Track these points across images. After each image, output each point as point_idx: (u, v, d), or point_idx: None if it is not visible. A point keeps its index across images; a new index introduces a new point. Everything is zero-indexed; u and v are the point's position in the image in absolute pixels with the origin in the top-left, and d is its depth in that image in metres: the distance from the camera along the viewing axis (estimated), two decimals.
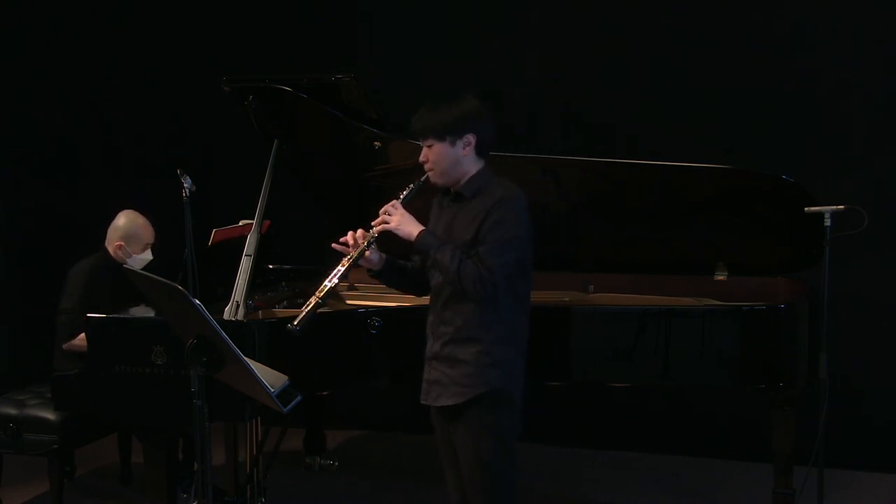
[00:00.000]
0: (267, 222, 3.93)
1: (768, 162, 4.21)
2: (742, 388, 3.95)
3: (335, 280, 2.97)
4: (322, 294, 2.95)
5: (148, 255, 4.16)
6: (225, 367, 2.79)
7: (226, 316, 3.52)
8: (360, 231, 3.01)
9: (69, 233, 5.38)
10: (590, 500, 4.46)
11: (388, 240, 3.01)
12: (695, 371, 3.69)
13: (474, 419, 2.96)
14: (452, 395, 2.97)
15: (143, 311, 3.78)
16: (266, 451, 4.07)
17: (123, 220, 4.15)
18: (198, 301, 2.70)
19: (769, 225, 3.96)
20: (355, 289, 4.41)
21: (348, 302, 4.21)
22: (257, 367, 2.82)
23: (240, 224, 4.08)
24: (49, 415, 3.91)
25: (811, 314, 3.71)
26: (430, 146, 2.95)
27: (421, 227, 2.95)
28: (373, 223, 2.99)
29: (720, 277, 4.09)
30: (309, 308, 2.94)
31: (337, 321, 3.72)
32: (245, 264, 3.66)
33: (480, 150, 2.98)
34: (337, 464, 4.81)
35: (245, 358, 2.75)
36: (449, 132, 2.92)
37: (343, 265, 2.98)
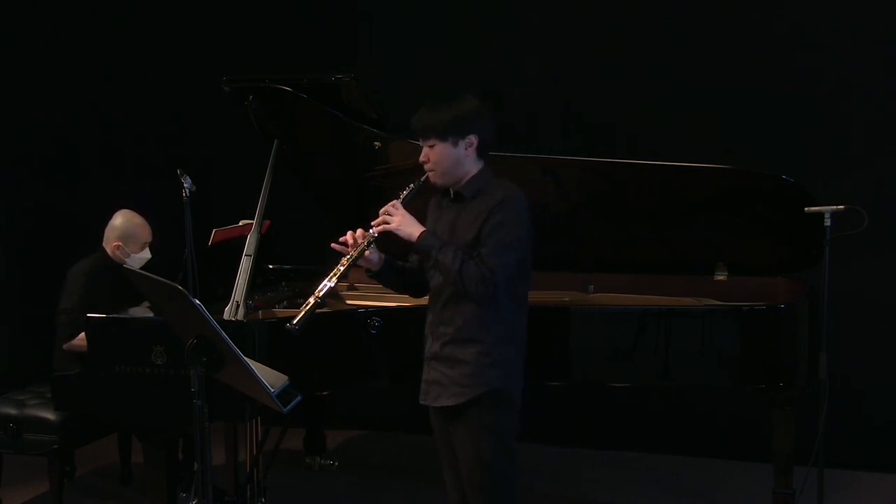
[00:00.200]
0: (267, 222, 3.93)
1: (768, 162, 4.21)
2: (742, 388, 3.95)
3: (334, 280, 2.96)
4: (321, 294, 2.95)
5: (146, 254, 4.16)
6: (225, 367, 2.79)
7: (226, 316, 3.52)
8: (359, 231, 3.00)
9: (69, 233, 5.38)
10: (590, 500, 4.46)
11: (386, 240, 3.01)
12: (695, 371, 3.69)
13: (474, 419, 2.96)
14: (452, 395, 2.97)
15: (142, 312, 3.78)
16: (266, 451, 4.07)
17: (120, 219, 4.15)
18: (198, 301, 2.70)
19: (769, 225, 3.96)
20: (355, 289, 4.41)
21: (348, 302, 4.21)
22: (257, 367, 2.82)
23: (240, 224, 4.08)
24: (49, 415, 3.91)
25: (811, 314, 3.71)
26: (431, 146, 2.94)
27: (422, 228, 2.94)
28: (373, 223, 2.99)
29: (720, 277, 4.09)
30: (308, 308, 2.93)
31: (337, 321, 3.72)
32: (245, 264, 3.66)
33: (481, 151, 2.98)
34: (337, 464, 4.82)
35: (245, 358, 2.75)
36: (451, 133, 2.91)
37: (342, 265, 2.97)
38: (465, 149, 2.94)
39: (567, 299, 4.07)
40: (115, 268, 4.08)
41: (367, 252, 2.98)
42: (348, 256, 2.98)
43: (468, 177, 2.98)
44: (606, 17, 4.87)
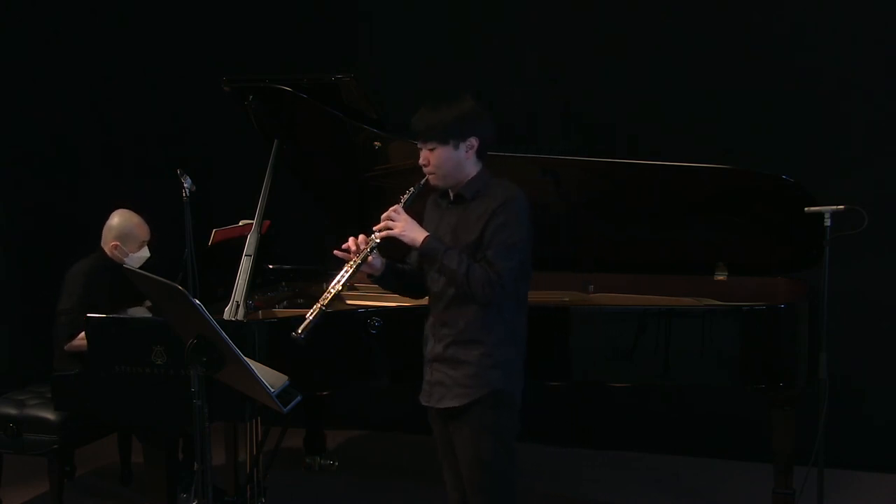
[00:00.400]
0: (267, 222, 3.93)
1: (768, 162, 4.21)
2: (742, 388, 3.95)
3: (339, 287, 2.95)
4: (326, 302, 2.94)
5: (145, 253, 4.16)
6: (225, 367, 2.79)
7: (226, 316, 3.52)
8: (361, 236, 3.00)
9: (69, 233, 5.37)
10: (590, 500, 4.46)
11: (387, 244, 3.00)
12: (695, 371, 3.69)
13: (475, 419, 2.96)
14: (455, 396, 2.97)
15: (141, 312, 3.78)
16: (266, 451, 4.07)
17: (117, 219, 4.15)
18: (198, 301, 2.70)
19: (769, 225, 3.96)
20: (355, 289, 4.40)
21: (348, 302, 4.21)
22: (257, 367, 2.82)
23: (240, 224, 4.08)
24: (49, 415, 3.91)
25: (811, 314, 3.71)
26: (431, 149, 2.93)
27: (426, 233, 2.94)
28: (374, 228, 2.98)
29: (720, 277, 4.09)
30: (313, 316, 2.92)
31: (337, 321, 3.71)
32: (245, 264, 3.66)
33: (481, 152, 2.98)
34: (337, 464, 4.82)
35: (245, 358, 2.75)
36: (452, 136, 2.91)
37: (346, 271, 2.96)
38: (466, 151, 2.93)
39: (567, 299, 4.07)
40: (114, 268, 4.08)
41: (370, 258, 2.97)
42: (351, 263, 2.97)
43: (468, 178, 2.98)
44: (606, 17, 4.87)
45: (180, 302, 2.75)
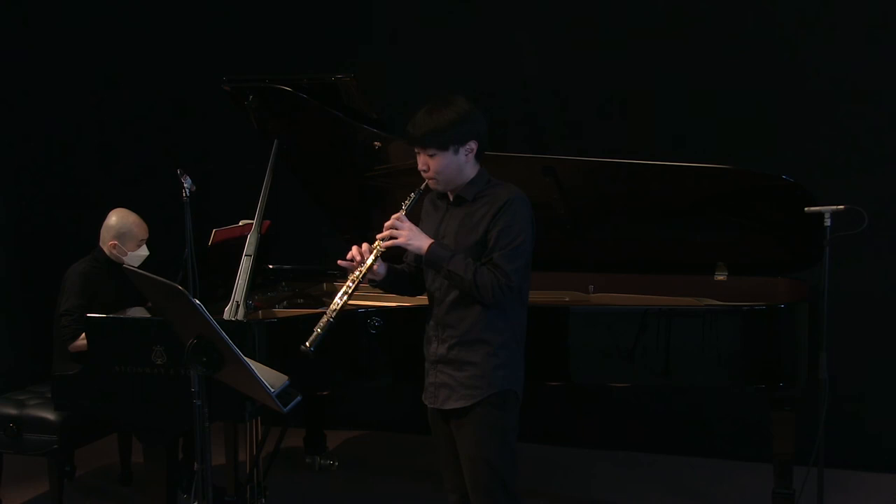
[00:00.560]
0: (267, 222, 3.93)
1: (768, 162, 4.21)
2: (742, 388, 3.95)
3: (346, 298, 2.95)
4: (334, 313, 2.94)
5: (144, 251, 4.17)
6: (225, 367, 2.79)
7: (226, 316, 3.52)
8: (364, 245, 3.00)
9: (69, 233, 5.39)
10: (590, 499, 4.46)
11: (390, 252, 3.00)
12: (695, 371, 3.69)
13: (480, 419, 2.97)
14: (461, 397, 2.98)
15: (140, 313, 3.77)
16: (266, 451, 4.07)
17: (115, 218, 4.15)
18: (198, 301, 2.70)
19: (769, 225, 3.96)
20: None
21: (348, 302, 4.21)
22: (257, 367, 2.82)
23: (240, 224, 4.08)
24: (49, 415, 3.91)
25: (811, 314, 3.71)
26: (431, 156, 2.92)
27: (430, 240, 2.94)
28: (378, 236, 2.98)
29: (720, 277, 4.09)
30: (322, 328, 2.93)
31: (337, 321, 3.72)
32: (245, 264, 3.66)
33: (479, 153, 2.98)
34: (337, 464, 4.82)
35: (245, 358, 2.75)
36: (452, 142, 2.90)
37: (353, 281, 2.96)
38: (466, 155, 2.93)
39: (567, 299, 4.07)
40: (113, 267, 4.08)
41: (375, 266, 2.98)
42: (357, 273, 2.97)
43: (468, 179, 2.98)
44: (606, 16, 4.87)
45: (180, 302, 2.75)
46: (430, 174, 2.96)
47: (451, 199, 3.03)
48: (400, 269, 3.17)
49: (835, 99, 4.55)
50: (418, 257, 3.02)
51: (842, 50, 4.53)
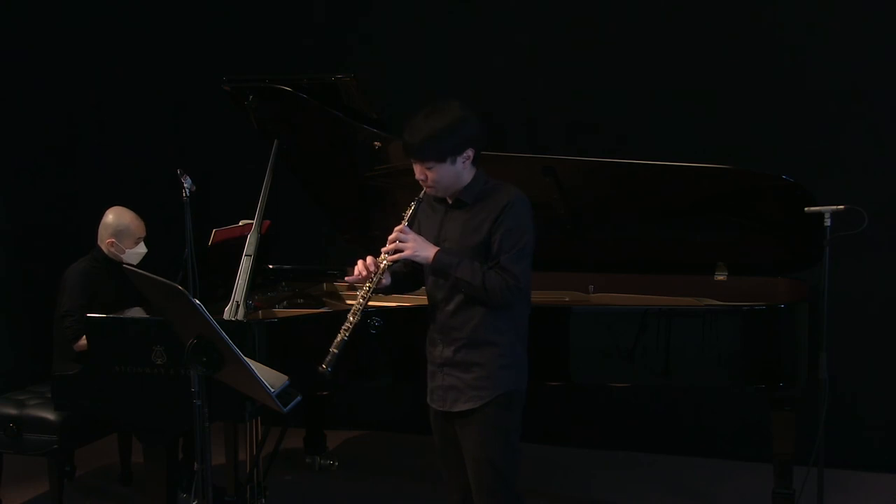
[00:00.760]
0: (267, 222, 3.93)
1: (768, 162, 4.21)
2: (742, 388, 3.95)
3: (358, 315, 2.95)
4: (348, 332, 2.93)
5: (142, 249, 4.17)
6: (225, 367, 2.79)
7: (226, 316, 3.52)
8: (369, 259, 3.00)
9: (69, 233, 5.38)
10: (590, 499, 4.46)
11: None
12: (695, 371, 3.69)
13: (486, 420, 2.97)
14: (470, 399, 2.98)
15: (138, 314, 3.77)
16: (266, 451, 4.07)
17: (112, 216, 4.16)
18: (198, 301, 2.70)
19: (769, 225, 3.96)
20: (354, 288, 4.40)
21: (348, 302, 4.21)
22: (257, 367, 2.82)
23: (240, 224, 4.08)
24: (49, 415, 3.91)
25: (811, 314, 3.71)
26: (430, 167, 2.90)
27: (435, 249, 2.94)
28: (383, 250, 2.97)
29: (720, 277, 4.09)
30: (337, 347, 2.92)
31: (337, 321, 3.72)
32: (245, 264, 3.66)
33: (476, 158, 2.97)
34: (337, 464, 4.82)
35: (245, 358, 2.75)
36: (450, 153, 2.88)
37: (363, 297, 2.96)
38: (463, 163, 2.92)
39: (567, 299, 4.07)
40: (113, 266, 4.08)
41: (382, 280, 2.98)
42: (366, 289, 2.97)
43: (465, 184, 2.97)
44: (606, 16, 4.87)
45: (180, 302, 2.75)
46: (428, 183, 2.95)
47: (450, 202, 3.03)
48: (399, 273, 3.16)
49: (835, 99, 4.55)
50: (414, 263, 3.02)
51: (841, 50, 4.53)
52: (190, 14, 5.55)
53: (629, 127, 4.83)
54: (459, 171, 2.93)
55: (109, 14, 5.61)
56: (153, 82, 5.59)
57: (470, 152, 2.92)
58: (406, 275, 3.18)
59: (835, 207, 3.41)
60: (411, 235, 2.96)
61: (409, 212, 3.02)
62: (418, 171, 2.94)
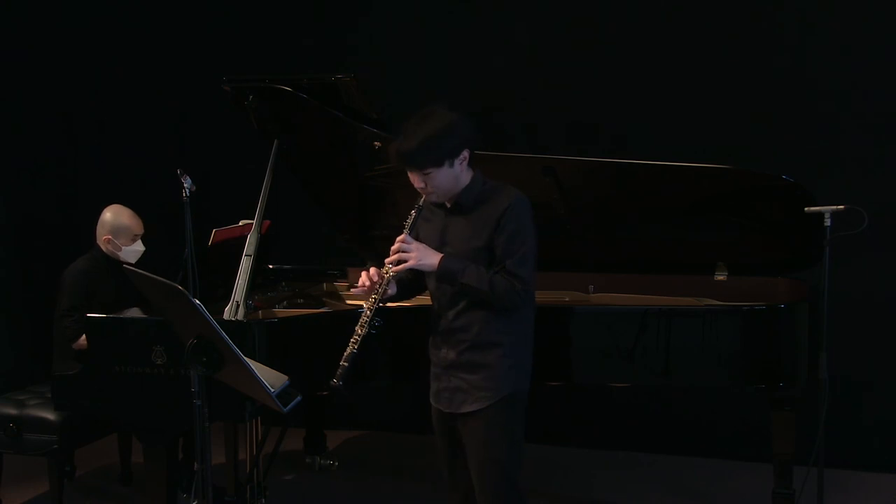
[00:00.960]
0: (267, 222, 3.93)
1: (768, 162, 4.21)
2: (742, 388, 3.95)
3: (366, 328, 2.94)
4: (357, 344, 2.93)
5: (139, 247, 4.17)
6: (225, 367, 2.79)
7: (226, 316, 3.52)
8: (373, 270, 2.99)
9: (69, 233, 5.39)
10: (590, 499, 4.46)
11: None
12: (695, 371, 3.69)
13: (491, 420, 2.97)
14: (476, 400, 2.97)
15: (136, 315, 3.76)
16: (266, 451, 4.07)
17: (109, 214, 4.17)
18: (198, 301, 2.70)
19: (769, 225, 3.96)
20: (355, 289, 4.41)
21: (348, 302, 4.21)
22: (257, 367, 2.82)
23: (240, 224, 4.08)
24: (49, 415, 3.91)
25: (811, 314, 3.71)
26: (427, 174, 2.89)
27: (439, 255, 2.94)
28: (387, 261, 2.96)
29: (720, 277, 4.09)
30: (347, 360, 2.91)
31: (337, 321, 3.72)
32: (245, 264, 3.66)
33: (470, 159, 2.96)
34: (337, 464, 4.82)
35: (245, 358, 2.75)
36: (447, 157, 2.87)
37: (370, 309, 2.95)
38: (460, 164, 2.92)
39: (567, 299, 4.07)
40: (112, 265, 4.08)
41: (388, 290, 2.97)
42: (371, 300, 2.96)
43: (464, 186, 2.97)
44: (606, 16, 4.87)
45: (180, 302, 2.75)
46: (428, 189, 2.94)
47: (449, 206, 3.02)
48: (404, 279, 3.14)
49: (835, 99, 4.56)
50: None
51: (841, 50, 4.53)
52: (190, 14, 5.55)
53: (629, 127, 4.83)
54: (457, 173, 2.92)
55: (109, 14, 5.61)
56: (153, 82, 5.59)
57: (466, 153, 2.91)
58: (410, 280, 3.16)
59: (835, 207, 3.41)
60: (414, 244, 2.95)
61: (410, 220, 3.01)
62: (416, 180, 2.93)
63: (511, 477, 3.02)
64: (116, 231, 4.13)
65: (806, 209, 3.48)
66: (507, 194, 2.95)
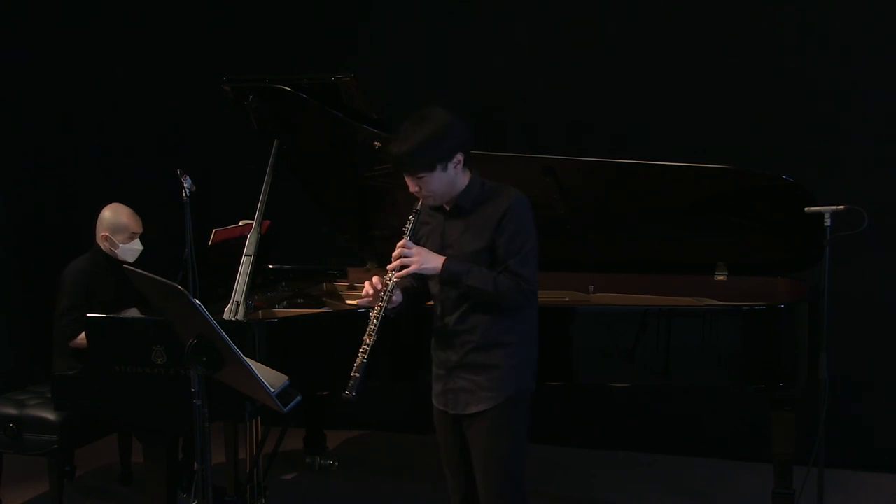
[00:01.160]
0: (267, 222, 3.93)
1: (768, 162, 4.21)
2: (742, 388, 3.95)
3: (375, 336, 2.91)
4: (367, 354, 2.90)
5: (137, 245, 4.17)
6: (225, 367, 2.79)
7: (226, 316, 3.52)
8: (375, 279, 2.97)
9: (69, 233, 5.38)
10: (590, 499, 4.46)
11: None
12: (695, 371, 3.69)
13: (498, 420, 2.97)
14: (482, 400, 2.97)
15: (135, 315, 3.76)
16: (266, 451, 4.07)
17: (108, 212, 4.18)
18: (198, 301, 2.70)
19: (769, 225, 3.97)
20: (355, 289, 4.42)
21: (348, 302, 4.21)
22: (257, 367, 2.82)
23: (240, 224, 4.08)
24: (49, 415, 3.91)
25: (811, 314, 3.71)
26: (420, 178, 2.88)
27: (442, 259, 2.92)
28: (389, 268, 2.94)
29: (720, 277, 4.09)
30: (358, 371, 2.88)
31: (337, 321, 3.72)
32: (245, 264, 3.66)
33: (467, 161, 2.96)
34: (337, 464, 4.82)
35: (245, 358, 2.75)
36: (439, 160, 2.86)
37: (376, 317, 2.91)
38: (455, 168, 2.90)
39: (567, 299, 4.07)
40: (112, 264, 4.09)
41: (393, 297, 2.95)
42: (377, 310, 2.93)
43: (461, 189, 2.96)
44: (606, 16, 4.87)
45: (180, 302, 2.75)
46: (423, 193, 2.93)
47: (448, 209, 3.02)
48: (411, 288, 3.12)
49: (835, 99, 4.56)
50: (418, 274, 3.00)
51: (841, 50, 4.54)
52: (190, 14, 5.55)
53: (629, 127, 4.83)
54: (452, 176, 2.91)
55: (109, 14, 5.61)
56: (153, 82, 5.59)
57: (460, 156, 2.90)
58: (417, 290, 3.13)
59: (835, 207, 3.40)
60: (415, 249, 2.94)
61: (409, 225, 2.99)
62: (411, 184, 2.92)
63: (516, 477, 3.02)
64: (114, 228, 4.13)
65: (806, 209, 3.48)
66: (507, 195, 2.94)
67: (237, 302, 3.56)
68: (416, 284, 3.12)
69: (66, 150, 5.69)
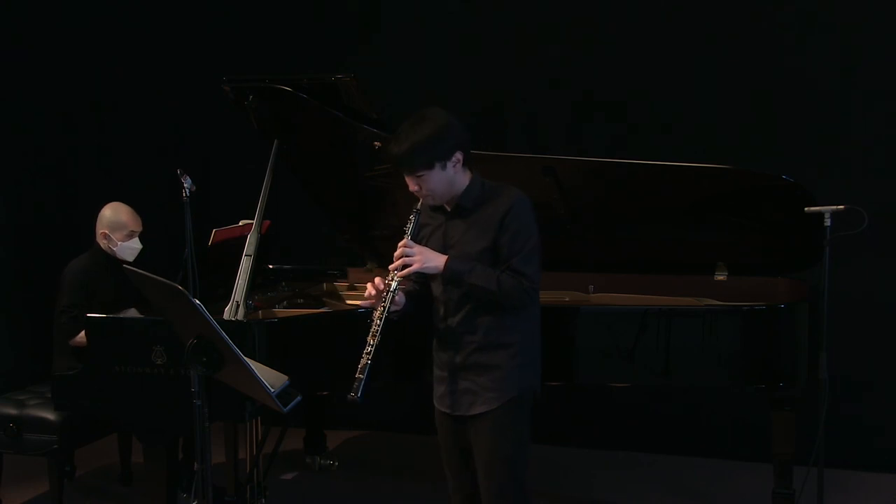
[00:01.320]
0: (267, 222, 3.93)
1: (768, 162, 4.21)
2: (742, 388, 3.95)
3: (378, 338, 2.89)
4: (370, 356, 2.88)
5: (136, 244, 4.17)
6: (225, 367, 2.79)
7: (226, 316, 3.52)
8: (377, 280, 2.96)
9: (69, 233, 5.38)
10: (590, 499, 4.46)
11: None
12: (695, 371, 3.69)
13: (502, 420, 2.96)
14: (486, 401, 2.96)
15: (134, 315, 3.76)
16: (266, 451, 4.07)
17: (108, 210, 4.19)
18: (198, 301, 2.70)
19: (769, 225, 3.96)
20: (355, 289, 4.42)
21: (348, 302, 4.21)
22: (257, 367, 2.82)
23: (240, 224, 4.08)
24: (49, 415, 3.91)
25: (811, 314, 3.71)
26: (420, 176, 2.89)
27: (444, 258, 2.91)
28: (391, 267, 2.93)
29: (720, 277, 4.09)
30: (362, 370, 2.86)
31: (337, 321, 3.72)
32: (245, 264, 3.66)
33: (466, 161, 2.96)
34: (337, 464, 4.82)
35: (245, 358, 2.75)
36: (437, 158, 2.86)
37: (379, 318, 2.90)
38: (454, 167, 2.90)
39: (567, 299, 4.07)
40: (112, 264, 4.09)
41: (396, 298, 2.94)
42: (380, 310, 2.91)
43: (462, 188, 2.96)
44: (606, 16, 4.87)
45: (180, 302, 2.75)
46: (423, 193, 2.93)
47: (450, 209, 3.01)
48: (414, 292, 3.11)
49: (835, 99, 4.56)
50: (420, 275, 3.00)
51: (842, 50, 4.54)
52: (190, 14, 5.55)
53: (629, 127, 4.83)
54: (451, 175, 2.91)
55: (109, 14, 5.61)
56: (153, 82, 5.59)
57: (458, 156, 2.90)
58: (419, 291, 3.11)
59: (835, 207, 3.40)
60: (417, 248, 2.93)
61: (410, 225, 2.98)
62: (410, 183, 2.92)
63: (519, 477, 3.02)
64: (113, 226, 4.14)
65: (806, 209, 3.47)
66: (509, 194, 2.94)
67: (237, 302, 3.56)
68: (418, 286, 3.11)
69: (66, 150, 5.69)
